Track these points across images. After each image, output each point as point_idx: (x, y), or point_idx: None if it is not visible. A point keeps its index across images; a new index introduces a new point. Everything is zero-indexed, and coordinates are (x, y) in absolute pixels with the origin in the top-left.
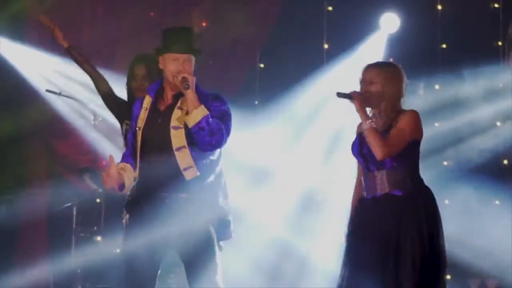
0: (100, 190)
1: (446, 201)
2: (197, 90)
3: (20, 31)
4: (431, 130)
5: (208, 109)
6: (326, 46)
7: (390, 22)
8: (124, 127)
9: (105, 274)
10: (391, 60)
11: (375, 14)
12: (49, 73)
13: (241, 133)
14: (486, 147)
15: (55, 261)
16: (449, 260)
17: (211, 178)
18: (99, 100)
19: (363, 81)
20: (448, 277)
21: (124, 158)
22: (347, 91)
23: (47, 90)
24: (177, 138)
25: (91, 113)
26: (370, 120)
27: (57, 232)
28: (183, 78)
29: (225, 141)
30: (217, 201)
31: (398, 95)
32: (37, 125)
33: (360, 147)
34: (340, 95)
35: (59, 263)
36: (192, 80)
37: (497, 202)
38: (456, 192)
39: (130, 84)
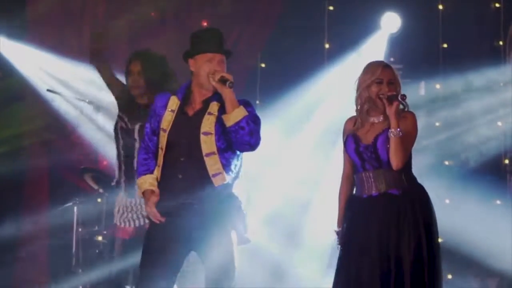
0: (101, 190)
1: (447, 201)
2: None
3: (21, 31)
4: (432, 130)
5: None
6: (327, 45)
7: (391, 22)
8: (118, 120)
9: (106, 275)
10: (391, 59)
11: (376, 14)
12: (50, 72)
13: None
14: (486, 147)
15: (55, 262)
16: (450, 259)
17: (236, 184)
18: (100, 100)
19: (379, 82)
20: (449, 276)
21: (144, 163)
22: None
23: (48, 90)
24: (207, 144)
25: (93, 113)
26: (397, 128)
27: (57, 232)
28: (222, 76)
29: (259, 144)
30: (241, 208)
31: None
32: (38, 124)
33: (356, 146)
34: (392, 97)
35: (60, 264)
36: (231, 79)
37: (498, 202)
38: (457, 191)
39: (126, 81)
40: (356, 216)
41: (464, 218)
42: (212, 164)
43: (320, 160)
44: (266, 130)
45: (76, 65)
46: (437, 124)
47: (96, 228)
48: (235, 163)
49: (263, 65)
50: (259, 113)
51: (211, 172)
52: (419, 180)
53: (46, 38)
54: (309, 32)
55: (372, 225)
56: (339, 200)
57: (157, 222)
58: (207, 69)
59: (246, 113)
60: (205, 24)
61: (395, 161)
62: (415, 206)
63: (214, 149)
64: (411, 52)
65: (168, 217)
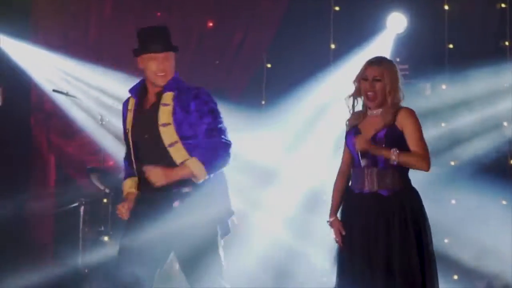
0: (107, 190)
1: (453, 201)
2: (179, 84)
3: (27, 31)
4: (438, 130)
5: (187, 111)
6: (333, 46)
7: (397, 22)
8: None
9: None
10: (397, 60)
11: (382, 14)
12: (56, 72)
13: (247, 133)
14: (492, 147)
15: (61, 261)
16: (456, 260)
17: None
18: (106, 100)
19: (365, 79)
20: (455, 276)
21: (126, 169)
22: (357, 149)
23: (54, 90)
24: (168, 134)
25: (98, 113)
26: (392, 152)
27: (63, 232)
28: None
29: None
30: (219, 193)
31: (399, 90)
32: (44, 125)
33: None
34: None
35: (66, 263)
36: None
37: (504, 202)
38: (462, 192)
39: None
40: (348, 209)
41: (470, 218)
42: (177, 152)
43: (326, 159)
44: (272, 129)
45: (81, 65)
46: (443, 124)
47: (102, 228)
48: None
49: (268, 66)
50: (264, 113)
51: (177, 160)
52: (423, 180)
53: (51, 38)
54: (315, 32)
55: (360, 222)
56: (333, 194)
57: (123, 218)
58: (153, 67)
59: (204, 171)
60: (210, 24)
61: (423, 168)
62: (405, 209)
63: (176, 138)
64: (417, 52)
65: (145, 210)
